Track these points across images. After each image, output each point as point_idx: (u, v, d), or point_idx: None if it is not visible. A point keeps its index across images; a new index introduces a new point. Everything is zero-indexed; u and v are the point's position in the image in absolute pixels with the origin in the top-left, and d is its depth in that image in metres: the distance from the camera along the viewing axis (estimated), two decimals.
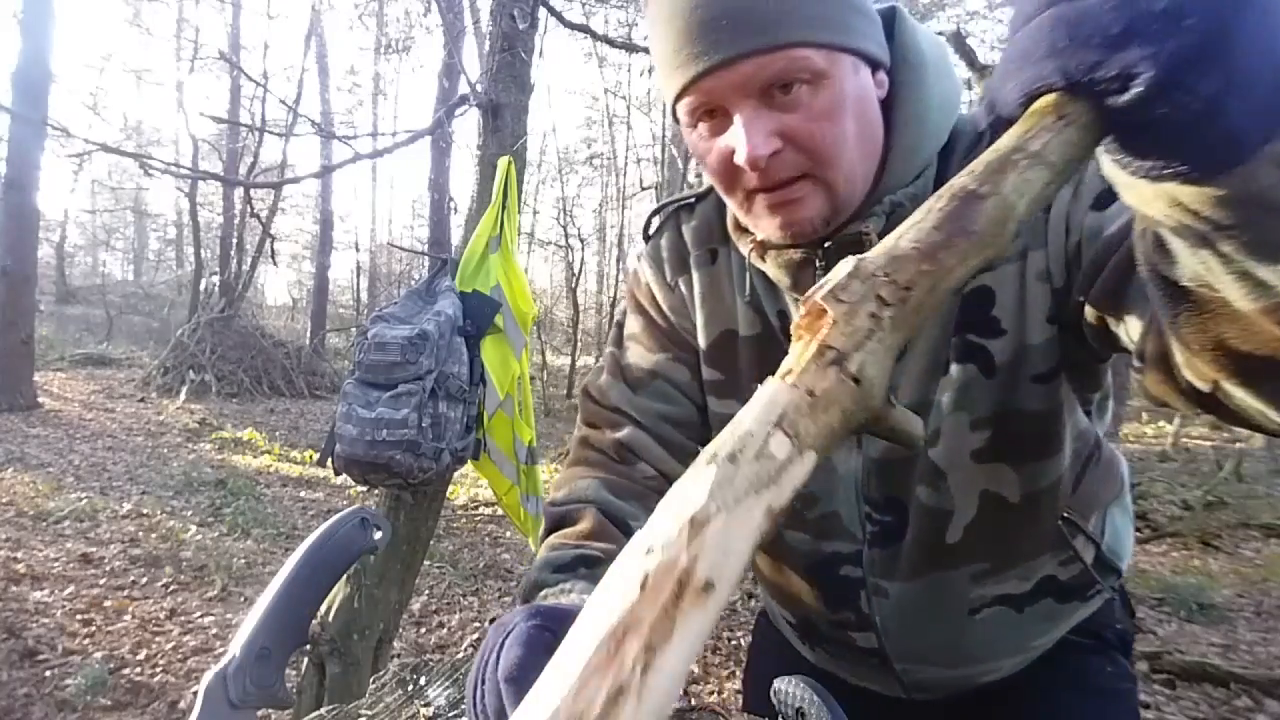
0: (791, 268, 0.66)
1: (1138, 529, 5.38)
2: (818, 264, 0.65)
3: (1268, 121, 0.29)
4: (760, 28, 0.55)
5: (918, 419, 0.33)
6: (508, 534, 5.02)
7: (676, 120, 0.64)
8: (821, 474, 0.67)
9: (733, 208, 0.66)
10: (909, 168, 0.64)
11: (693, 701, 0.66)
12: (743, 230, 0.70)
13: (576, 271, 11.82)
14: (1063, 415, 0.67)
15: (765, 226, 0.63)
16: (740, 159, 0.58)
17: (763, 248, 0.67)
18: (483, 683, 0.50)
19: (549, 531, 0.71)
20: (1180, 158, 0.30)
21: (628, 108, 14.40)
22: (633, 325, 0.81)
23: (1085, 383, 0.68)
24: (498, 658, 0.49)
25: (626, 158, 14.62)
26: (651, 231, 0.81)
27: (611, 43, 3.80)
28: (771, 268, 0.68)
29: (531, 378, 2.78)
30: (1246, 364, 0.38)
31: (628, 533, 0.67)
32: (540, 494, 2.19)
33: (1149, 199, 0.34)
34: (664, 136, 11.88)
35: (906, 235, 0.33)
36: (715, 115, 0.60)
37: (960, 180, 0.33)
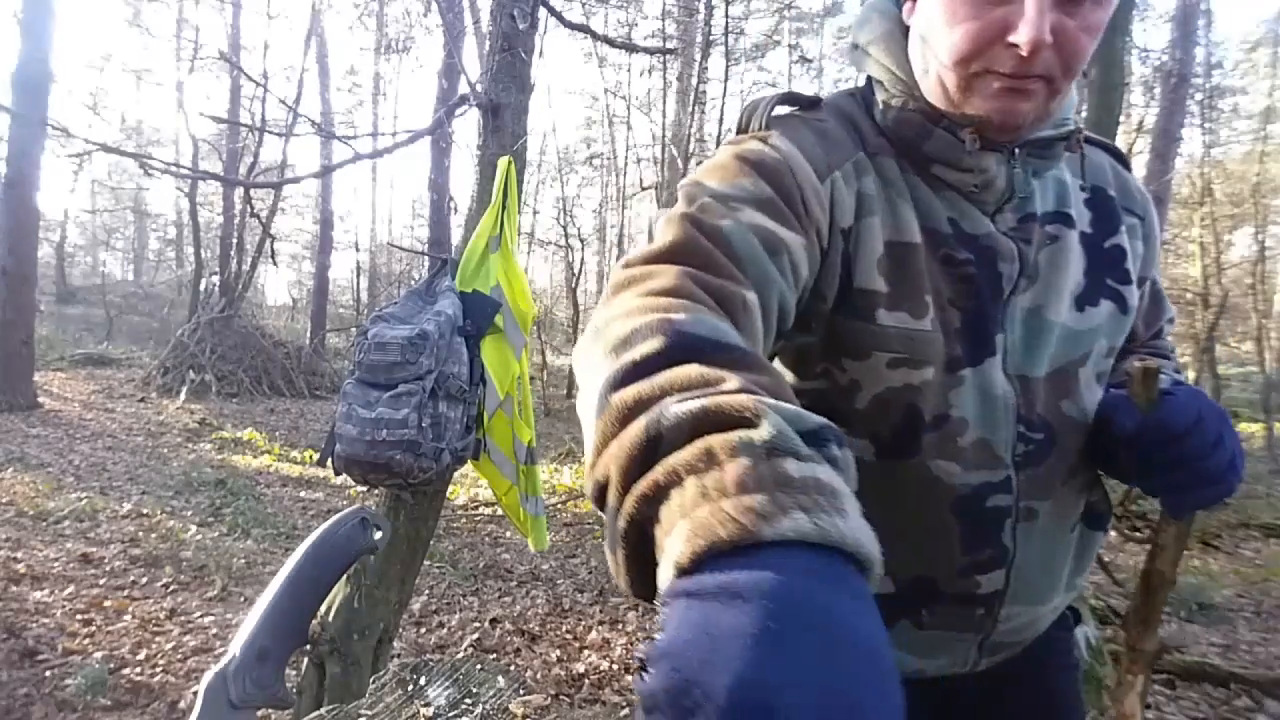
0: (989, 162, 0.69)
1: (1137, 529, 5.38)
2: (1013, 162, 0.70)
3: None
4: None
5: None
6: (508, 534, 5.02)
7: None
8: (976, 397, 0.70)
9: (950, 81, 0.66)
10: (1071, 105, 0.73)
11: None
12: (933, 121, 0.70)
13: (576, 271, 11.80)
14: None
15: (980, 106, 0.65)
16: (1021, 38, 0.60)
17: (979, 133, 0.68)
18: None
19: (688, 355, 0.43)
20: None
21: (628, 108, 14.40)
22: (748, 185, 0.64)
23: None
24: None
25: (626, 158, 14.62)
26: (770, 123, 0.71)
27: (611, 43, 3.80)
28: (972, 160, 0.69)
29: (531, 378, 2.78)
30: None
31: None
32: (540, 494, 2.19)
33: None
34: (664, 136, 11.87)
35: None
36: None
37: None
